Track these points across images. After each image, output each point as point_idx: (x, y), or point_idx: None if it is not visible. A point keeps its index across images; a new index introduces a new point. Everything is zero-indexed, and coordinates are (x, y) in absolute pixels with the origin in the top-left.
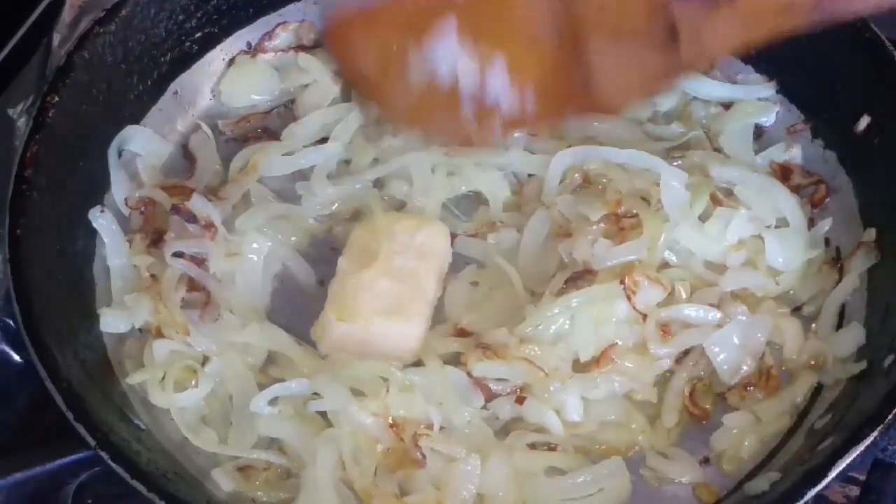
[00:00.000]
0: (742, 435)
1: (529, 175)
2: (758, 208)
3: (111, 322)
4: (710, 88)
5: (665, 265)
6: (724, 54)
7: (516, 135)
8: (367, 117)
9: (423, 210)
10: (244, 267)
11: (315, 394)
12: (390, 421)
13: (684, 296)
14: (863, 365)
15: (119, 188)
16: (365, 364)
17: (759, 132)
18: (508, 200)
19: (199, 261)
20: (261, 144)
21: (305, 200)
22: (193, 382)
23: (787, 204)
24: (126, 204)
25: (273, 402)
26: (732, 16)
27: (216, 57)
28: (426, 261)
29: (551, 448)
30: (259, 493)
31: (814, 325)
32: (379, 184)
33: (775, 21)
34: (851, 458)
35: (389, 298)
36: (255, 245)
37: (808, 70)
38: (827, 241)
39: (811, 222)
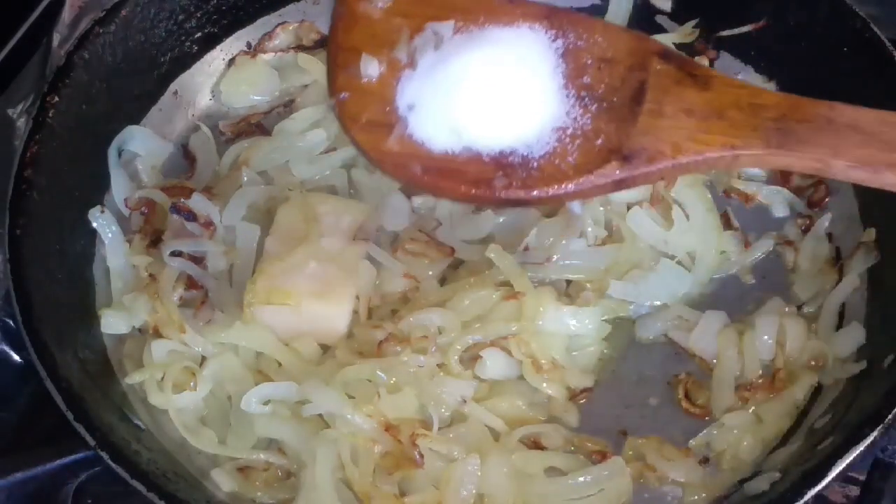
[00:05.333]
0: (742, 435)
1: None
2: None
3: (112, 323)
4: None
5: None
6: (673, 148)
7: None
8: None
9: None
10: (239, 259)
11: None
12: (385, 423)
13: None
14: (863, 365)
15: (119, 188)
16: (352, 368)
17: None
18: None
19: (198, 259)
20: (252, 140)
21: (279, 180)
22: (192, 384)
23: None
24: (126, 204)
25: (266, 401)
26: (697, 101)
27: (216, 57)
28: (354, 242)
29: (539, 444)
30: (259, 493)
31: (814, 325)
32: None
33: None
34: (851, 458)
35: (318, 280)
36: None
37: (808, 69)
38: (830, 237)
39: (810, 221)
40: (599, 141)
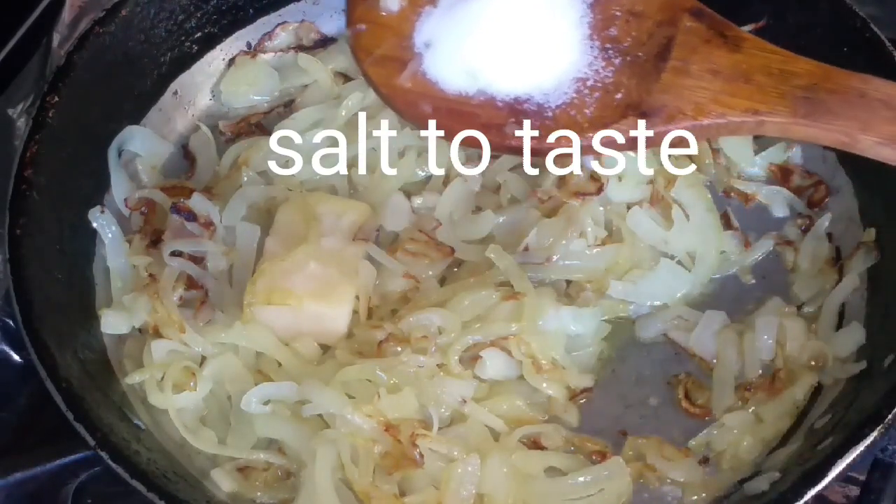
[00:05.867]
0: (742, 435)
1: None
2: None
3: (112, 323)
4: None
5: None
6: (695, 108)
7: None
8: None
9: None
10: (239, 260)
11: None
12: (385, 423)
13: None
14: (863, 365)
15: (119, 188)
16: (352, 368)
17: None
18: None
19: (198, 259)
20: (252, 140)
21: (279, 180)
22: (192, 384)
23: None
24: (126, 204)
25: (266, 401)
26: (725, 62)
27: (216, 57)
28: (354, 242)
29: (539, 444)
30: (259, 493)
31: (814, 325)
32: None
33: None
34: (851, 459)
35: (318, 280)
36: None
37: None
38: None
39: (810, 221)
40: (619, 95)
